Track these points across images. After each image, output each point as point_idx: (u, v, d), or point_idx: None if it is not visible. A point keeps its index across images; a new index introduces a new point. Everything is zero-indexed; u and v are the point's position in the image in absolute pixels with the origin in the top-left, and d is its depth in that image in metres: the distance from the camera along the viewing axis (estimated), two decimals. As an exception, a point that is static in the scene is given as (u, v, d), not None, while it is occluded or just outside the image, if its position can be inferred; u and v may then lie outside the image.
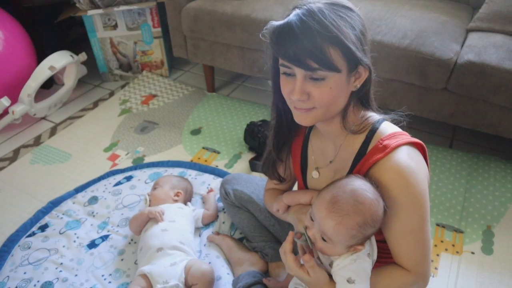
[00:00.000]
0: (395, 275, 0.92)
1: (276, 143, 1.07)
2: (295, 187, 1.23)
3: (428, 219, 0.88)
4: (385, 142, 0.87)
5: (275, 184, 1.19)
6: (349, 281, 0.85)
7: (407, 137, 0.89)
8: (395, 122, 0.94)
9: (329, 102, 0.84)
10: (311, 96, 0.83)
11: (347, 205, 0.82)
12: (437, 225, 1.51)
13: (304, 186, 1.11)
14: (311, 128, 1.06)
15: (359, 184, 0.84)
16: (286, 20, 0.81)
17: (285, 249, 0.91)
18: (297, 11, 0.81)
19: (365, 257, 0.87)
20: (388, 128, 0.90)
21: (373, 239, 0.90)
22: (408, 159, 0.85)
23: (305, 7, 0.81)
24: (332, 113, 0.88)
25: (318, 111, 0.86)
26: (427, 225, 0.89)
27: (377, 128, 0.90)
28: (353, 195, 0.82)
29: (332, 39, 0.78)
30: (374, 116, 0.93)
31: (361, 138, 0.91)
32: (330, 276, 0.90)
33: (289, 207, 1.09)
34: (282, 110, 0.99)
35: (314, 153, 1.05)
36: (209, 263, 1.34)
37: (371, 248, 0.89)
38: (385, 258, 0.95)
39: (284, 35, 0.80)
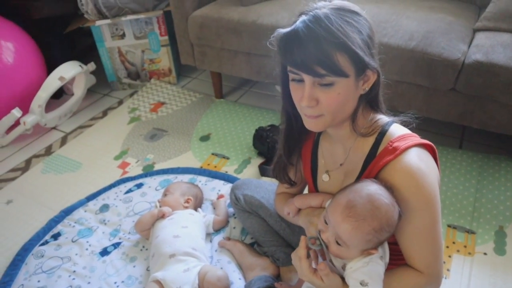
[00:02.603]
0: (407, 276, 0.91)
1: (287, 148, 1.07)
2: (306, 191, 1.23)
3: (439, 220, 0.88)
4: (395, 144, 0.87)
5: (286, 188, 1.19)
6: (362, 283, 0.85)
7: (416, 138, 0.89)
8: (404, 124, 0.95)
9: (336, 108, 0.85)
10: (319, 102, 0.84)
11: (364, 210, 0.82)
12: (449, 226, 1.50)
13: (314, 189, 1.11)
14: (320, 131, 1.07)
15: (375, 189, 0.84)
16: (293, 27, 0.82)
17: (300, 255, 0.91)
18: (304, 17, 0.82)
19: (378, 260, 0.87)
20: (397, 130, 0.91)
21: (385, 242, 0.90)
22: (418, 160, 0.85)
23: (311, 13, 0.81)
24: (341, 118, 0.89)
25: (326, 118, 0.87)
26: (438, 226, 0.88)
27: (387, 130, 0.91)
28: (369, 200, 0.82)
29: (339, 45, 0.78)
30: (383, 118, 0.93)
31: (371, 140, 0.92)
32: (342, 279, 0.90)
33: (300, 210, 1.10)
34: (292, 114, 0.99)
35: (324, 156, 1.06)
36: (221, 268, 1.35)
37: (383, 251, 0.89)
38: (396, 260, 0.95)
39: (291, 42, 0.81)
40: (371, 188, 0.84)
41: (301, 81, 0.84)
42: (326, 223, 0.88)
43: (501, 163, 1.75)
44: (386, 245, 0.90)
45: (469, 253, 1.41)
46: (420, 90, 1.69)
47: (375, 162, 0.89)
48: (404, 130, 0.91)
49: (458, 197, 1.61)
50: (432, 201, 0.85)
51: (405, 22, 1.74)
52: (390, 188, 0.85)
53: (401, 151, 0.85)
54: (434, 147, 0.91)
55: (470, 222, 1.51)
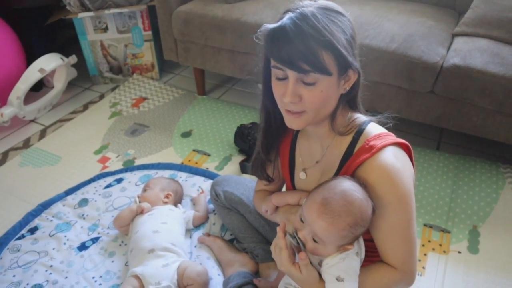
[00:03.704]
0: (382, 272, 0.93)
1: (265, 144, 1.08)
2: (284, 188, 1.24)
3: (414, 217, 0.90)
4: (371, 143, 0.89)
5: (265, 185, 1.20)
6: (338, 279, 0.86)
7: (392, 137, 0.91)
8: (381, 124, 0.96)
9: (319, 106, 0.86)
10: (302, 99, 0.85)
11: (338, 206, 0.84)
12: (425, 225, 1.54)
13: (292, 187, 1.12)
14: (297, 131, 1.08)
15: (348, 185, 0.86)
16: (280, 23, 0.82)
17: (281, 245, 0.91)
18: (291, 14, 0.82)
19: (354, 256, 0.89)
20: (374, 129, 0.92)
21: (360, 238, 0.92)
22: (393, 159, 0.87)
23: (298, 10, 0.82)
24: (322, 116, 0.90)
25: (308, 115, 0.87)
26: (413, 224, 0.90)
27: (364, 129, 0.92)
28: (343, 196, 0.84)
29: (325, 43, 0.80)
30: (361, 117, 0.95)
31: (348, 139, 0.93)
32: (319, 275, 0.91)
33: (277, 208, 1.11)
34: (271, 111, 1.00)
35: (301, 154, 1.07)
36: (200, 264, 1.35)
37: (359, 247, 0.91)
38: (372, 257, 0.97)
39: (278, 37, 0.82)
40: (345, 184, 0.86)
41: (284, 78, 0.85)
42: (302, 221, 0.89)
43: (476, 164, 1.80)
44: (362, 241, 0.92)
45: (444, 252, 1.45)
46: (399, 91, 1.72)
47: (352, 160, 0.91)
48: (381, 129, 0.93)
49: (435, 197, 1.65)
50: (407, 198, 0.87)
51: (387, 24, 1.77)
52: (364, 184, 0.87)
53: (377, 149, 0.87)
54: (410, 146, 0.93)
55: (445, 221, 1.55)
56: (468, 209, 1.60)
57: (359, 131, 0.92)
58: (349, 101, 0.94)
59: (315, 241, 0.87)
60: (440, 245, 1.47)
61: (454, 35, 1.79)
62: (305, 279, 0.89)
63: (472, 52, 1.60)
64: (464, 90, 1.58)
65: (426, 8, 1.99)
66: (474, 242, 1.48)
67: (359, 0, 2.04)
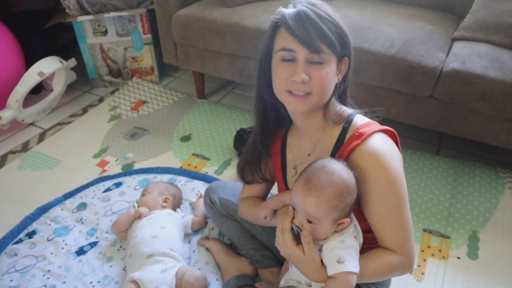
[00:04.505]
0: (383, 256, 0.94)
1: (263, 137, 1.10)
2: (274, 191, 1.23)
3: (406, 199, 0.94)
4: (361, 130, 0.93)
5: (252, 188, 1.21)
6: (339, 261, 0.87)
7: (378, 125, 0.96)
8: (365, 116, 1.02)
9: (325, 87, 0.91)
10: (311, 79, 0.89)
11: (320, 180, 0.87)
12: (424, 230, 1.53)
13: (284, 187, 1.13)
14: (287, 129, 1.11)
15: (325, 161, 0.91)
16: (296, 8, 0.89)
17: (284, 227, 0.92)
18: (300, 3, 0.89)
19: (353, 239, 0.91)
20: (361, 119, 0.98)
21: (357, 224, 0.94)
22: (383, 143, 0.92)
23: (303, 2, 0.90)
24: (323, 101, 0.94)
25: (313, 98, 0.91)
26: (406, 206, 0.94)
27: (352, 119, 0.97)
28: (322, 171, 0.89)
29: (335, 26, 0.89)
30: (348, 109, 1.01)
31: (338, 129, 0.98)
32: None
33: (275, 212, 1.10)
34: (268, 103, 1.03)
35: (292, 151, 1.10)
36: (199, 269, 1.35)
37: (356, 231, 0.93)
38: (372, 247, 0.97)
39: (298, 17, 0.87)
40: (322, 161, 0.91)
41: (292, 60, 0.89)
42: (294, 208, 0.92)
43: (476, 169, 1.80)
44: (358, 227, 0.94)
45: (443, 257, 1.44)
46: (399, 96, 1.72)
47: (343, 148, 0.95)
48: (367, 119, 0.98)
49: (434, 202, 1.64)
50: (399, 180, 0.91)
51: (386, 29, 1.77)
52: (350, 166, 0.91)
53: (367, 135, 0.92)
54: (395, 132, 0.97)
55: (445, 226, 1.55)
56: (468, 214, 1.59)
57: (349, 121, 0.97)
58: (340, 93, 1.00)
59: (310, 222, 0.89)
60: (440, 250, 1.47)
61: (454, 40, 1.79)
62: (308, 261, 0.89)
63: (471, 57, 1.60)
64: (464, 95, 1.58)
65: (426, 12, 2.00)
66: (474, 247, 1.47)
67: (358, 5, 2.04)
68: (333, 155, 0.97)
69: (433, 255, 1.45)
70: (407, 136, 2.00)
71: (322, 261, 0.91)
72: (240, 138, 1.87)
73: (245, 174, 1.17)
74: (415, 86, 1.64)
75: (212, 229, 1.51)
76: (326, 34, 0.87)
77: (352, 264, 0.88)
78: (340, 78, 0.95)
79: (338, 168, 0.88)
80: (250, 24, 1.87)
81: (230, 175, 1.80)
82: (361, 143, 0.91)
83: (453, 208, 1.62)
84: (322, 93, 0.91)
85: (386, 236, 0.94)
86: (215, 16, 1.95)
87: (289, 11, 0.89)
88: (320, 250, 0.91)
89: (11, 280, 1.36)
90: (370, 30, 1.76)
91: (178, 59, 2.20)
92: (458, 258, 1.44)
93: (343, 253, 0.88)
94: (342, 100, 1.02)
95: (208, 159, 1.90)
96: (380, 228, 0.95)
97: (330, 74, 0.90)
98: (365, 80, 1.72)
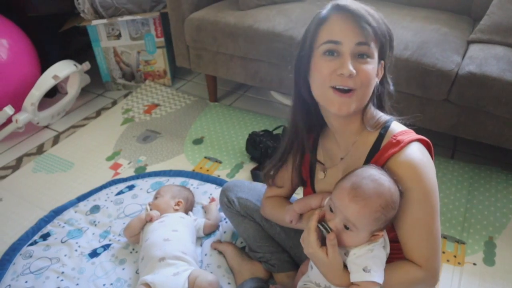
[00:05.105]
0: (406, 269, 0.93)
1: (307, 126, 1.05)
2: (300, 194, 1.23)
3: (438, 213, 0.92)
4: (399, 138, 0.92)
5: (277, 189, 1.20)
6: (365, 270, 0.87)
7: (416, 134, 0.94)
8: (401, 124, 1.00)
9: (369, 83, 0.89)
10: (357, 74, 0.87)
11: (368, 188, 0.85)
12: (439, 236, 1.51)
13: (311, 189, 1.12)
14: (319, 131, 1.09)
15: (374, 171, 0.89)
16: (344, 2, 0.89)
17: (310, 226, 0.91)
18: (349, 2, 0.90)
19: (381, 249, 0.90)
20: (398, 126, 0.96)
21: (385, 234, 0.92)
22: (420, 154, 0.90)
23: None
24: (365, 100, 0.92)
25: (358, 93, 0.89)
26: (437, 220, 0.92)
27: (389, 126, 0.96)
28: (372, 180, 0.86)
29: (383, 25, 0.91)
30: (384, 115, 0.98)
31: (374, 135, 0.96)
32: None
33: (301, 215, 1.09)
34: (309, 102, 1.00)
35: (323, 154, 1.08)
36: (211, 273, 1.34)
37: (385, 242, 0.92)
38: (395, 258, 0.96)
39: (349, 7, 0.88)
40: (371, 170, 0.89)
41: (336, 53, 0.88)
42: (331, 210, 0.90)
43: (492, 174, 1.76)
44: (387, 237, 0.92)
45: (459, 263, 1.42)
46: (413, 99, 1.70)
47: (380, 155, 0.93)
48: (403, 127, 0.96)
49: (449, 207, 1.62)
50: (433, 193, 0.90)
51: (401, 31, 1.75)
52: (389, 173, 0.89)
53: (405, 144, 0.90)
54: (430, 143, 0.95)
55: (460, 232, 1.52)
56: (484, 219, 1.57)
57: (386, 127, 0.95)
58: (378, 96, 0.98)
59: (346, 228, 0.87)
60: (455, 256, 1.44)
61: (470, 42, 1.76)
62: (330, 263, 0.88)
63: (488, 60, 1.58)
64: (480, 99, 1.56)
65: (441, 14, 1.97)
66: (490, 253, 1.45)
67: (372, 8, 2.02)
68: (368, 161, 0.95)
69: (448, 261, 1.42)
70: (421, 139, 1.97)
71: (344, 265, 0.90)
72: (252, 142, 1.87)
73: (271, 176, 1.16)
74: (430, 89, 1.62)
75: (225, 232, 1.51)
76: (375, 27, 0.87)
77: (377, 274, 0.87)
78: (378, 81, 0.94)
79: (387, 180, 0.87)
80: (263, 27, 1.86)
81: (242, 178, 1.80)
82: (399, 151, 0.90)
83: (469, 214, 1.59)
84: (366, 89, 0.89)
85: (414, 248, 0.92)
86: (228, 19, 1.95)
87: (339, 1, 0.89)
88: (346, 254, 0.90)
89: (26, 282, 1.37)
90: (384, 32, 1.74)
91: (190, 62, 2.21)
92: (474, 264, 1.41)
93: (370, 262, 0.87)
94: (379, 105, 1.00)
95: (220, 162, 1.90)
96: (407, 240, 0.92)
97: (373, 70, 0.89)
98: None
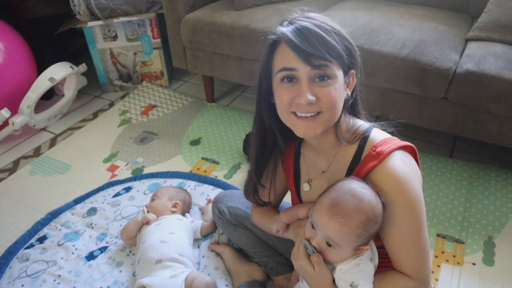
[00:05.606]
0: (397, 281, 0.91)
1: (258, 168, 1.05)
2: (288, 201, 1.21)
3: (425, 224, 0.89)
4: (378, 149, 0.87)
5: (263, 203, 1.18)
6: (352, 285, 0.85)
7: (398, 141, 0.90)
8: (383, 129, 0.96)
9: (334, 104, 0.85)
10: (318, 98, 0.83)
11: (348, 205, 0.82)
12: (438, 235, 1.50)
13: (298, 199, 1.09)
14: (301, 140, 1.05)
15: (355, 184, 0.85)
16: (295, 24, 0.84)
17: (300, 241, 0.90)
18: (297, 18, 0.86)
19: (368, 262, 0.87)
20: (379, 135, 0.92)
21: (373, 244, 0.90)
22: (402, 164, 0.86)
23: (299, 17, 0.86)
24: (334, 119, 0.88)
25: (324, 116, 0.85)
26: (424, 230, 0.89)
27: (368, 136, 0.91)
28: (352, 195, 0.83)
29: (340, 37, 0.84)
30: (363, 124, 0.94)
31: (354, 147, 0.92)
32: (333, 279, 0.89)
33: (288, 225, 1.07)
34: (267, 127, 0.98)
35: (306, 165, 1.05)
36: (208, 275, 1.33)
37: (372, 253, 0.89)
38: (384, 263, 0.95)
39: (300, 32, 0.82)
40: (351, 183, 0.85)
41: (294, 79, 0.84)
42: (313, 227, 0.88)
43: (491, 173, 1.75)
44: (374, 248, 0.90)
45: (458, 263, 1.41)
46: (411, 98, 1.69)
47: (360, 168, 0.89)
48: (385, 135, 0.92)
49: (448, 207, 1.61)
50: (418, 205, 0.86)
51: (398, 30, 1.74)
52: (371, 184, 0.86)
53: (385, 155, 0.86)
54: (415, 147, 0.92)
55: (459, 231, 1.51)
56: (483, 219, 1.56)
57: (365, 138, 0.91)
58: (351, 106, 0.94)
59: (329, 245, 0.85)
60: (454, 256, 1.43)
61: (467, 40, 1.75)
62: (318, 278, 0.87)
63: (486, 58, 1.57)
64: (478, 97, 1.55)
65: (438, 12, 1.96)
66: (490, 253, 1.43)
67: (369, 6, 2.01)
68: (349, 173, 0.92)
69: (447, 261, 1.41)
70: (419, 138, 1.96)
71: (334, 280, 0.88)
72: (250, 142, 1.85)
73: (247, 196, 1.14)
74: (428, 88, 1.61)
75: (222, 234, 1.50)
76: (333, 45, 0.81)
77: None
78: (349, 93, 0.90)
79: (368, 194, 0.83)
80: (259, 27, 1.86)
81: (239, 179, 1.79)
82: (378, 164, 0.86)
83: (468, 213, 1.58)
84: (332, 111, 0.85)
85: (402, 260, 0.90)
86: (224, 20, 1.94)
87: (288, 28, 0.84)
88: (333, 270, 0.88)
89: (22, 285, 1.36)
90: (381, 31, 1.73)
91: (187, 63, 2.20)
92: (473, 264, 1.40)
93: (357, 277, 0.85)
94: (355, 113, 0.96)
95: (218, 163, 1.89)
96: (395, 253, 0.90)
97: (339, 89, 0.84)
98: (377, 83, 1.69)
